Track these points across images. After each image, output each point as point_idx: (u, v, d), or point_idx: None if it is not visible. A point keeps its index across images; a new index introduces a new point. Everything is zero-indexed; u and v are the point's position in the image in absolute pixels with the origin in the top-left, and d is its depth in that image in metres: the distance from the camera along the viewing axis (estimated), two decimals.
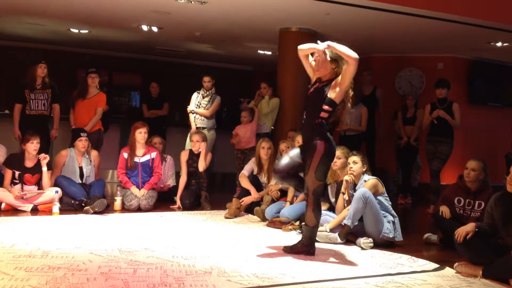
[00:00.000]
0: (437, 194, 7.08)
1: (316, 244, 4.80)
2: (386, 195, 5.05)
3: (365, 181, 4.98)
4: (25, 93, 6.88)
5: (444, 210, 5.01)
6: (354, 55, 4.09)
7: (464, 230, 4.09)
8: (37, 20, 8.53)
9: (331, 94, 4.22)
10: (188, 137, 7.34)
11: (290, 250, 4.39)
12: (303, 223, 4.44)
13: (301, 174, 4.45)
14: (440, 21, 7.07)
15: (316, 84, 4.36)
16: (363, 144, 8.39)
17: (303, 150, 4.37)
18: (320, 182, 4.28)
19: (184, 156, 6.89)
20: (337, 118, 8.39)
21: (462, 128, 9.33)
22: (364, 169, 5.08)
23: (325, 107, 4.22)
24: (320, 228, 4.88)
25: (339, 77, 4.23)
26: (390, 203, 5.07)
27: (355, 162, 5.06)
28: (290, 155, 4.38)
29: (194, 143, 6.81)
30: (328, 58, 4.22)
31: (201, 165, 6.75)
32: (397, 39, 8.61)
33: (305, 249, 4.37)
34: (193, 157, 6.85)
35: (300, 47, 4.41)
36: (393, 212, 5.00)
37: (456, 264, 4.09)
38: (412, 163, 8.55)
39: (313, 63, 4.31)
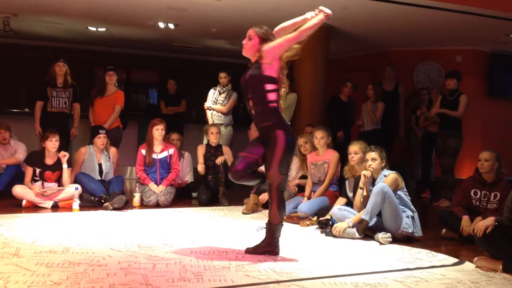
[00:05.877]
0: (452, 189, 6.99)
1: (336, 239, 4.81)
2: (406, 190, 5.01)
3: (385, 176, 4.94)
4: (47, 90, 6.98)
5: (465, 224, 4.95)
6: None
7: (484, 224, 4.05)
8: (55, 19, 8.61)
9: (267, 72, 3.96)
10: (205, 133, 7.33)
11: (253, 251, 4.10)
12: (266, 222, 4.14)
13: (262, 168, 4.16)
14: (458, 13, 6.99)
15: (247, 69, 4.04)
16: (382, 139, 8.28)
17: (261, 142, 4.05)
18: (284, 175, 4.06)
19: (201, 150, 6.90)
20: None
21: (480, 121, 9.24)
22: (383, 164, 5.04)
23: (268, 86, 3.96)
24: (342, 224, 4.88)
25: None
26: (410, 198, 5.04)
27: (374, 159, 5.01)
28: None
29: (214, 135, 6.82)
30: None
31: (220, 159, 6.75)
32: (415, 32, 8.53)
33: (269, 248, 4.08)
34: (211, 150, 6.86)
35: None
36: (412, 207, 4.95)
37: (476, 259, 4.05)
38: (432, 151, 8.37)
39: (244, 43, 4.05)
